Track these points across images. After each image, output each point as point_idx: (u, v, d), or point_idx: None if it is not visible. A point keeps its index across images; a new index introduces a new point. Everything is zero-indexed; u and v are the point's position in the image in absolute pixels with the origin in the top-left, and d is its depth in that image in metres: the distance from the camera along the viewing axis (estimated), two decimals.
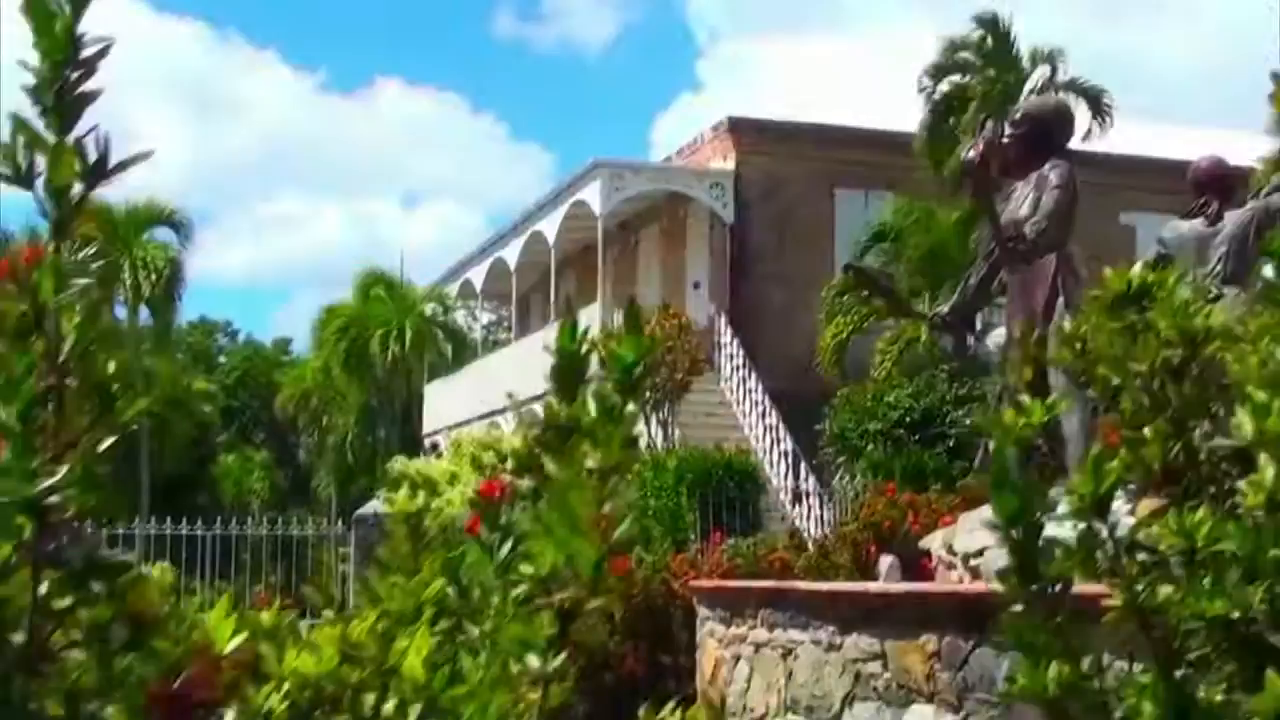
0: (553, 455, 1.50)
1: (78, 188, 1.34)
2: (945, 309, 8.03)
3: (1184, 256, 7.76)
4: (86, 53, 1.34)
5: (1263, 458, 1.42)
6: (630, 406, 1.46)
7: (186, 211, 33.75)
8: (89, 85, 1.34)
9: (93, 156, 1.34)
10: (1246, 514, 1.54)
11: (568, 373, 1.52)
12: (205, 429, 35.06)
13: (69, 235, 1.34)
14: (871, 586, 6.53)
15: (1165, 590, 1.70)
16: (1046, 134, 7.67)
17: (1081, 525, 1.68)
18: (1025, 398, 1.76)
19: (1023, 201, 7.46)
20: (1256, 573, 1.62)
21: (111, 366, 1.31)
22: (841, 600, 6.57)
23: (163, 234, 31.86)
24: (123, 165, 1.36)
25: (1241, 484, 1.44)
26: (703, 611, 8.51)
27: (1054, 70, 23.05)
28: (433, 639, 1.54)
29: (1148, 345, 1.77)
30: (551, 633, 1.43)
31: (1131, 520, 1.81)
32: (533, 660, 1.41)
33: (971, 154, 6.99)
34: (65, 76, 1.33)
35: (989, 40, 23.19)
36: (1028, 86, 22.86)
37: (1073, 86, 23.01)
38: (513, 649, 1.41)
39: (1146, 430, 1.82)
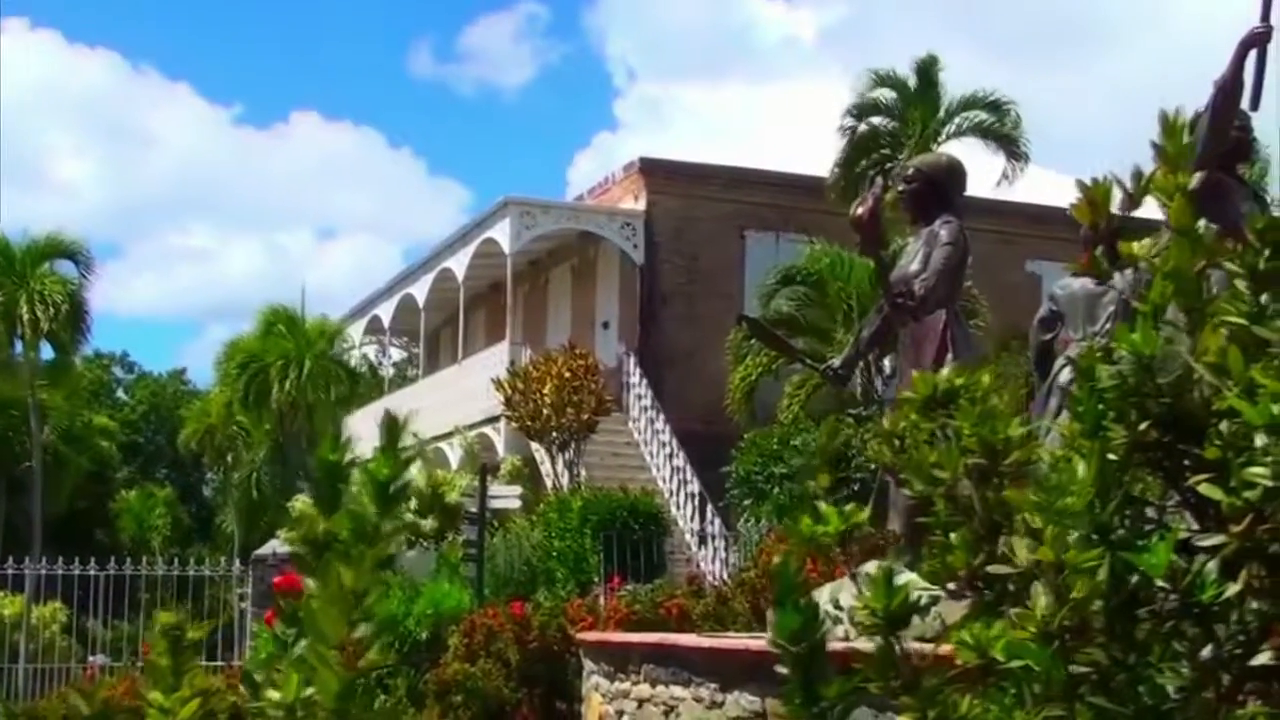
0: (309, 571, 1.42)
1: None
2: (838, 361, 8.03)
3: (1074, 314, 7.83)
4: None
5: (1036, 586, 1.38)
6: (387, 525, 1.39)
7: (90, 243, 33.20)
8: None
9: None
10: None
11: (330, 484, 1.45)
12: (104, 465, 34.37)
13: None
14: (752, 643, 6.47)
15: (965, 703, 1.65)
16: (939, 189, 7.70)
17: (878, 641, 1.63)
18: (822, 504, 1.71)
19: (913, 257, 7.49)
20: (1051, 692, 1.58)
21: None
22: (722, 657, 6.50)
23: (65, 267, 31.31)
24: None
25: (1012, 613, 1.39)
26: (588, 665, 8.41)
27: (991, 111, 23.28)
28: None
29: (951, 452, 1.72)
30: None
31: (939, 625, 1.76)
32: None
33: (861, 210, 7.00)
34: None
35: (913, 82, 23.39)
36: (946, 130, 23.16)
37: (990, 132, 23.33)
38: None
39: (953, 536, 1.78)
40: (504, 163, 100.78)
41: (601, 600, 13.96)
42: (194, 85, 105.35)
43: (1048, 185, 24.85)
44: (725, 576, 17.13)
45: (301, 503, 24.12)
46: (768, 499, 18.89)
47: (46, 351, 31.22)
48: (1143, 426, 1.60)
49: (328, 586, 1.37)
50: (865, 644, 1.66)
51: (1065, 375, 7.24)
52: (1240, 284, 1.71)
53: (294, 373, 31.92)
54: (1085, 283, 8.14)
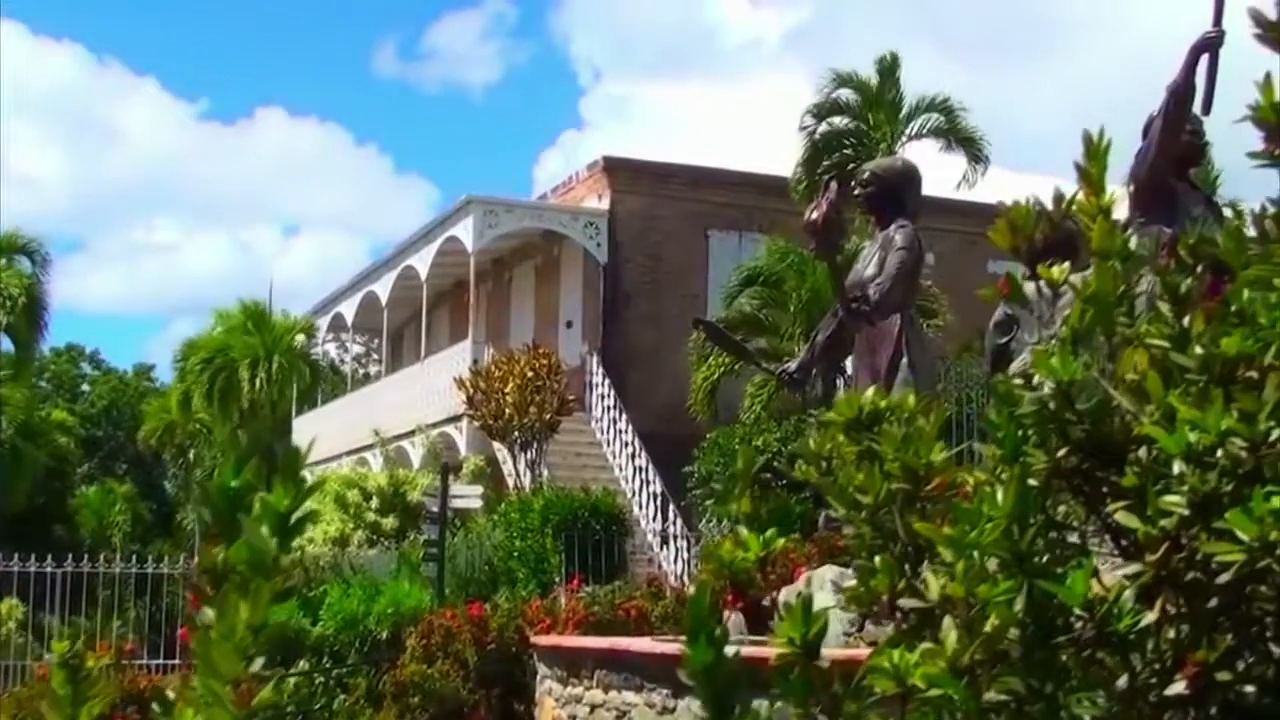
0: (207, 601, 1.39)
1: None
2: (793, 366, 8.03)
3: (1029, 318, 7.84)
4: None
5: (946, 621, 1.36)
6: (286, 558, 1.35)
7: (54, 238, 33.03)
8: None
9: None
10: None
11: (229, 511, 1.41)
12: (63, 460, 34.08)
13: None
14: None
15: None
16: (894, 193, 7.71)
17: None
18: (744, 529, 1.68)
19: (869, 261, 7.50)
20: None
21: None
22: (674, 663, 6.46)
23: (22, 263, 31.06)
24: None
25: (922, 648, 1.37)
26: (541, 669, 8.39)
27: (945, 116, 23.31)
28: None
29: (874, 476, 1.70)
30: None
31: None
32: None
33: (814, 215, 7.00)
34: None
35: (875, 82, 23.38)
36: (907, 131, 23.18)
37: (951, 133, 23.36)
38: None
39: (877, 561, 1.76)
40: (471, 160, 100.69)
41: (561, 601, 13.93)
42: (160, 80, 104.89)
43: (1009, 185, 24.97)
44: (687, 577, 17.11)
45: (260, 500, 23.93)
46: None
47: (3, 345, 31.03)
48: (1062, 453, 1.58)
49: (224, 620, 1.34)
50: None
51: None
52: (1164, 306, 1.70)
53: (264, 370, 31.73)
54: (1041, 285, 8.15)
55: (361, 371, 37.30)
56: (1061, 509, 1.74)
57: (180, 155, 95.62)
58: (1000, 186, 24.37)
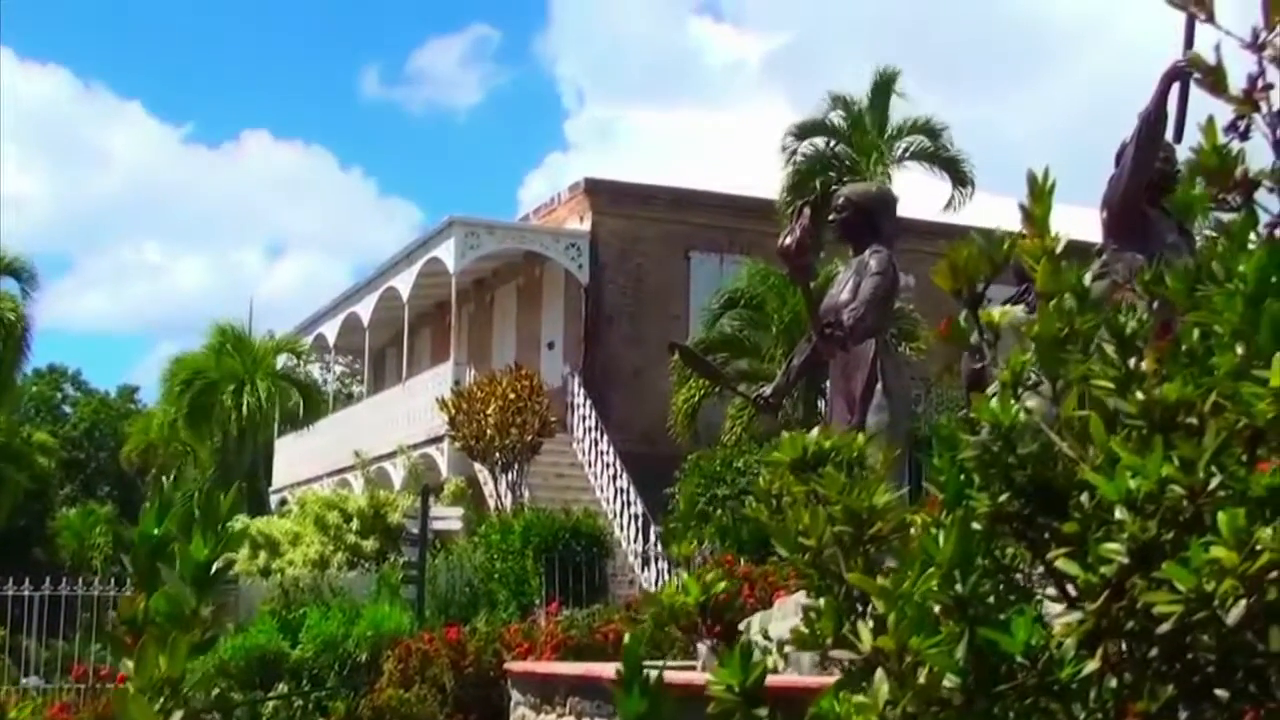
0: (126, 654, 1.36)
1: None
2: (768, 390, 8.00)
3: (1006, 344, 7.82)
4: None
5: (878, 674, 1.34)
6: (204, 610, 1.32)
7: (40, 259, 32.94)
8: None
9: None
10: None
11: (149, 559, 1.38)
12: (43, 482, 33.88)
13: None
14: (679, 675, 6.40)
15: None
16: (869, 218, 7.69)
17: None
18: (684, 574, 1.66)
19: (844, 286, 7.48)
20: None
21: None
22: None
23: (8, 284, 30.96)
24: None
25: (853, 700, 1.35)
26: (515, 695, 8.34)
27: (930, 137, 23.34)
28: None
29: (818, 519, 1.68)
30: None
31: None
32: None
33: (788, 240, 6.98)
34: None
35: (867, 101, 23.40)
36: (892, 154, 23.21)
37: (935, 157, 23.41)
38: None
39: (821, 603, 1.73)
40: (456, 183, 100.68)
41: (542, 623, 13.87)
42: (145, 103, 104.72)
43: (991, 207, 24.95)
44: None
45: (240, 523, 23.84)
46: (710, 521, 18.83)
47: None
48: (1003, 497, 1.56)
49: (142, 672, 1.31)
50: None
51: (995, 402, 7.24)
52: (1109, 348, 1.68)
53: (249, 394, 31.62)
54: (1017, 310, 8.16)
55: (345, 392, 37.19)
56: (1010, 551, 1.72)
57: (166, 177, 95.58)
58: (981, 210, 24.37)
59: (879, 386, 7.29)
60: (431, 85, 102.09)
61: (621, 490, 21.99)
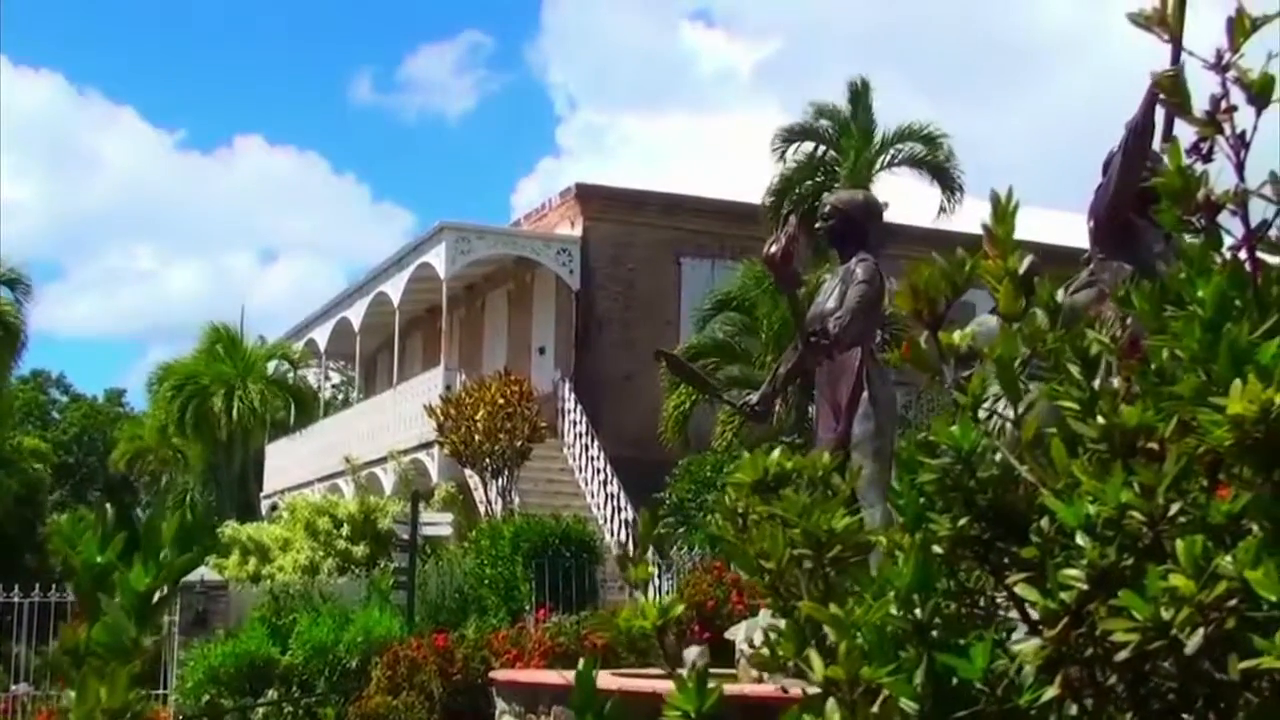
0: (69, 683, 1.33)
1: None
2: (755, 398, 7.97)
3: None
4: None
5: (830, 703, 1.32)
6: (145, 641, 1.30)
7: (32, 264, 32.84)
8: None
9: None
10: None
11: (91, 588, 1.36)
12: (34, 488, 33.80)
13: None
14: (662, 685, 6.38)
15: None
16: (855, 226, 7.67)
17: None
18: (640, 595, 1.64)
19: (830, 295, 7.46)
20: None
21: None
22: (631, 700, 6.40)
23: (4, 291, 30.86)
24: None
25: None
26: (500, 704, 8.32)
27: (922, 144, 23.32)
28: None
29: (778, 542, 1.66)
30: None
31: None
32: None
33: (774, 249, 6.96)
34: None
35: (847, 109, 23.37)
36: (881, 160, 23.19)
37: (923, 164, 23.39)
38: None
39: (783, 625, 1.72)
40: (448, 189, 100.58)
41: (531, 629, 13.84)
42: (138, 109, 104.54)
43: (981, 214, 24.93)
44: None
45: (230, 529, 23.81)
46: (701, 527, 18.81)
47: None
48: (963, 521, 1.54)
49: (82, 704, 1.28)
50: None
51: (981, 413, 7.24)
52: (1073, 369, 1.66)
53: (239, 399, 31.55)
54: (991, 322, 8.13)
55: (340, 397, 37.13)
56: (975, 574, 1.70)
57: (159, 183, 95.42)
58: (971, 216, 24.36)
59: (865, 395, 7.27)
60: (424, 91, 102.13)
61: (612, 496, 21.98)
